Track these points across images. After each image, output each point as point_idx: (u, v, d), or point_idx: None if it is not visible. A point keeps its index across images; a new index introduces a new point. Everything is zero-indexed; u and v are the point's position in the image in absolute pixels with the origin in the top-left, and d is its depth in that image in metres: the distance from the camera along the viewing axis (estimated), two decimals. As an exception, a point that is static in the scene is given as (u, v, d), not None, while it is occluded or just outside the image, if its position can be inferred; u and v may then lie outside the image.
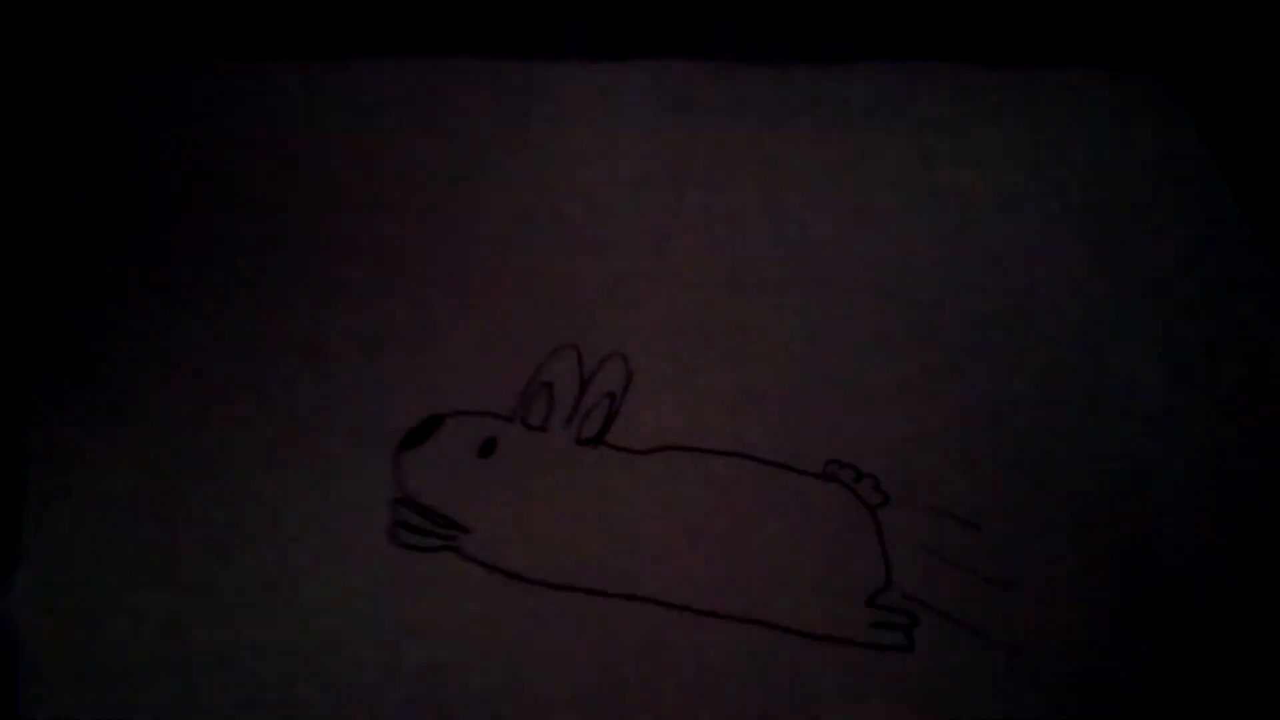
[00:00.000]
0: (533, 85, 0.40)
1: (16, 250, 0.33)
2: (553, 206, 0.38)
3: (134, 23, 0.39)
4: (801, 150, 0.40)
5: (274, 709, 0.27)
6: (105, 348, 0.32)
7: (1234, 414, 0.36)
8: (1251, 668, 0.31)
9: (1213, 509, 0.34)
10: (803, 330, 0.36)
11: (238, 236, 0.35)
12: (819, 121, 0.41)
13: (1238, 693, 0.31)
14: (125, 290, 0.33)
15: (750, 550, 0.32)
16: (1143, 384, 0.36)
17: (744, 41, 0.43)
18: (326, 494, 0.30)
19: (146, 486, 0.30)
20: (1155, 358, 0.37)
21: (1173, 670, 0.31)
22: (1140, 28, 0.47)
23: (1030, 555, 0.32)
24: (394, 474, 0.31)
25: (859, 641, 0.30)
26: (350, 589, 0.29)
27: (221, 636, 0.28)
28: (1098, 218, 0.40)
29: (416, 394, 0.32)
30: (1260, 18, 0.48)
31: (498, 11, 0.42)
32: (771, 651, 0.30)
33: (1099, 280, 0.39)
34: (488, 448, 0.32)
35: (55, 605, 0.28)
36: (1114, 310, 0.38)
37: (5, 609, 0.28)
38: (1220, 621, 0.32)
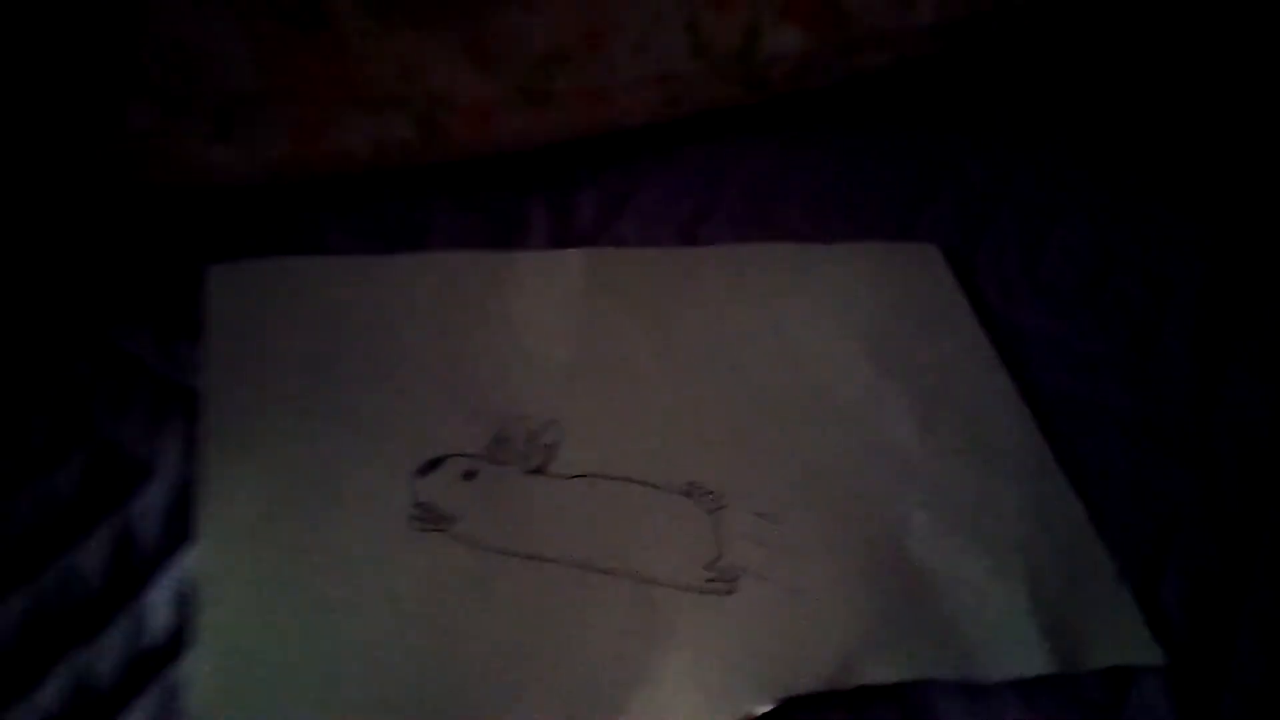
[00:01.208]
0: (505, 271, 0.62)
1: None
2: (519, 348, 0.58)
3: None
4: (680, 310, 0.62)
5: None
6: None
7: (954, 454, 0.57)
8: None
9: (944, 512, 0.54)
10: (671, 405, 0.57)
11: (337, 368, 0.55)
12: (694, 291, 0.63)
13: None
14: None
15: (636, 537, 0.51)
16: (900, 436, 0.57)
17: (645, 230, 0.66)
18: (377, 502, 0.50)
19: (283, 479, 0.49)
20: (911, 422, 0.58)
21: (897, 605, 0.49)
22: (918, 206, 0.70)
23: (813, 536, 0.52)
24: (412, 489, 0.51)
25: (697, 588, 0.49)
26: (386, 557, 0.48)
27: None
28: (877, 341, 0.62)
29: (430, 444, 0.53)
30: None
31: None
32: (643, 594, 0.49)
33: (879, 378, 0.60)
34: (470, 475, 0.52)
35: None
36: (885, 394, 0.59)
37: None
38: (933, 581, 0.51)
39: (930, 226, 0.70)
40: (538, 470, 0.53)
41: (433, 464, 0.52)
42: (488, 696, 0.44)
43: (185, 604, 0.46)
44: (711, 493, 0.53)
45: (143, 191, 0.61)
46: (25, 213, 0.59)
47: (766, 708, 0.45)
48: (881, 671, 0.47)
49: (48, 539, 0.48)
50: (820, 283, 0.64)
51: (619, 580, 0.49)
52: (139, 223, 0.61)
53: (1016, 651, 0.49)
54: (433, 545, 0.49)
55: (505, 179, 0.67)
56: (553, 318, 0.60)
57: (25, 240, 0.58)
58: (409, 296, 0.59)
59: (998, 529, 0.53)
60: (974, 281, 0.67)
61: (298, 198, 0.64)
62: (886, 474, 0.55)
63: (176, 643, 0.45)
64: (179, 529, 0.49)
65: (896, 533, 0.53)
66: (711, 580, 0.49)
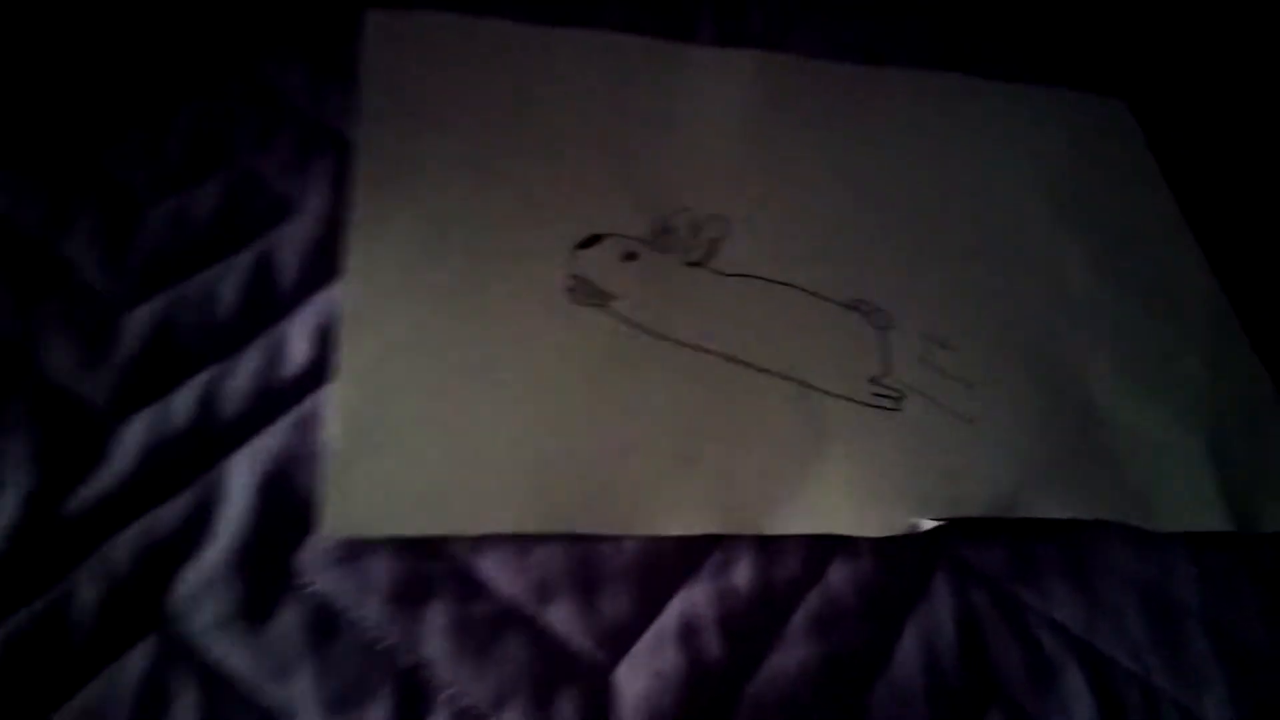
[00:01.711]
0: (675, 61, 0.57)
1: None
2: (685, 140, 0.54)
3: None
4: (860, 128, 0.57)
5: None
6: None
7: (1136, 308, 0.53)
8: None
9: (1125, 359, 0.51)
10: (842, 217, 0.53)
11: (497, 130, 0.51)
12: (875, 111, 0.58)
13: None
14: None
15: (798, 342, 0.48)
16: (1080, 283, 0.54)
17: (825, 45, 0.61)
18: (535, 267, 0.47)
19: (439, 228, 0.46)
20: (1092, 270, 0.54)
21: (1072, 443, 0.47)
22: (1110, 59, 0.65)
23: (987, 367, 0.49)
24: (572, 262, 0.47)
25: (861, 400, 0.46)
26: (538, 324, 0.45)
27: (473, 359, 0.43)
28: (1059, 189, 0.58)
29: (590, 223, 0.49)
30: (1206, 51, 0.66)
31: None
32: (804, 398, 0.46)
33: (1058, 225, 0.56)
34: (630, 256, 0.48)
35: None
36: (1064, 242, 0.55)
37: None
38: (1112, 424, 0.48)
39: (1124, 82, 0.66)
40: (699, 263, 0.49)
41: (593, 239, 0.48)
42: (635, 492, 0.42)
43: (325, 339, 0.43)
44: (880, 309, 0.49)
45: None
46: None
47: (927, 525, 0.43)
48: (1048, 506, 0.45)
49: (182, 255, 0.45)
50: (1006, 123, 0.60)
51: (780, 381, 0.46)
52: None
53: (1192, 504, 0.46)
54: (588, 319, 0.46)
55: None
56: (723, 116, 0.55)
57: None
58: (577, 73, 0.55)
59: (1180, 384, 0.51)
60: (1163, 139, 0.63)
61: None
62: (1064, 316, 0.52)
63: (313, 376, 0.43)
64: (320, 268, 0.46)
65: (1075, 372, 0.50)
66: (878, 394, 0.47)
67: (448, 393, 0.42)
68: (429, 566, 0.39)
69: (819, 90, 0.58)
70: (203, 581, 0.37)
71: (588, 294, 0.47)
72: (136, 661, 0.36)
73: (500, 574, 0.39)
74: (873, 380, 0.47)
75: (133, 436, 0.40)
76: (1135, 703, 0.41)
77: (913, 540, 0.43)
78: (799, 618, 0.41)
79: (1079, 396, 0.49)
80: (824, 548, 0.43)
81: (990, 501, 0.44)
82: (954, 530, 0.44)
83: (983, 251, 0.54)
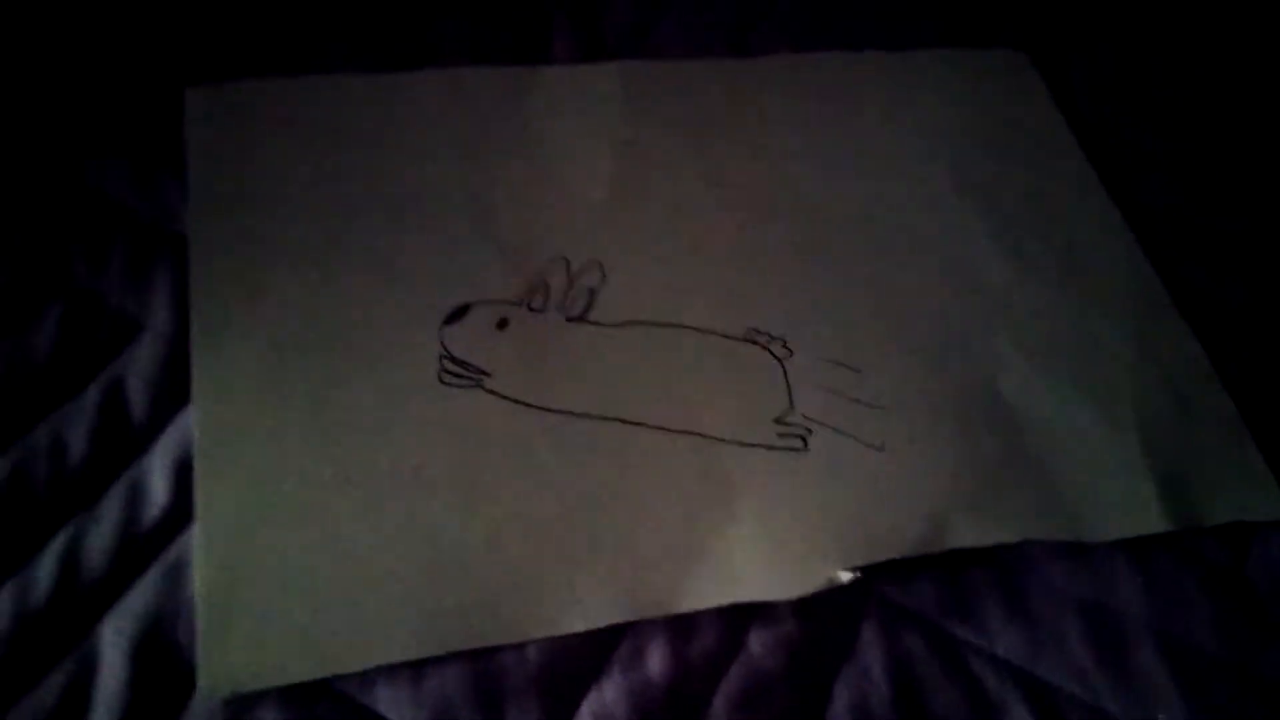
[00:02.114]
0: (529, 89, 0.53)
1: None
2: (550, 178, 0.50)
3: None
4: (732, 131, 0.53)
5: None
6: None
7: (1052, 288, 0.49)
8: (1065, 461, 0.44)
9: (1043, 354, 0.47)
10: (726, 241, 0.49)
11: (344, 201, 0.48)
12: (747, 109, 0.54)
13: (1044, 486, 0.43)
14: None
15: (693, 390, 0.44)
16: (989, 268, 0.50)
17: (689, 37, 0.56)
18: (399, 355, 0.43)
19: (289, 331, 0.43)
20: (1002, 252, 0.50)
21: (993, 459, 0.44)
22: (1003, 6, 0.60)
23: (896, 386, 0.45)
24: (441, 339, 0.44)
25: (766, 445, 0.43)
26: (411, 417, 0.42)
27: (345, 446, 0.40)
28: (960, 163, 0.54)
29: (456, 288, 0.45)
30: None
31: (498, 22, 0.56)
32: (708, 452, 0.43)
33: (961, 202, 0.52)
34: (502, 324, 0.45)
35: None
36: (969, 221, 0.51)
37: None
38: (1033, 432, 0.45)
39: (1017, 32, 0.60)
40: (579, 318, 0.46)
41: (460, 311, 0.45)
42: (533, 592, 0.39)
43: (186, 474, 0.41)
44: (777, 338, 0.46)
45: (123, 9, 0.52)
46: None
47: (847, 577, 0.40)
48: (977, 533, 0.42)
49: (26, 403, 0.42)
50: (892, 96, 0.55)
51: (678, 438, 0.43)
52: (112, 43, 0.52)
53: (1128, 508, 0.43)
54: (463, 402, 0.43)
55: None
56: (587, 143, 0.51)
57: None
58: (422, 119, 0.51)
59: (1105, 372, 0.47)
60: (1068, 93, 0.58)
61: (287, 11, 0.54)
62: (975, 312, 0.48)
63: (178, 517, 0.40)
64: (173, 392, 0.43)
65: (989, 380, 0.46)
66: (783, 435, 0.44)
67: (317, 516, 0.40)
68: (320, 709, 0.37)
69: (686, 95, 0.54)
70: (89, 763, 0.36)
71: (459, 374, 0.44)
72: None
73: (396, 705, 0.37)
74: (777, 420, 0.44)
75: (-4, 618, 0.38)
76: (1087, 733, 0.40)
77: (837, 591, 0.40)
78: (720, 699, 0.38)
79: (996, 403, 0.45)
80: (741, 616, 0.40)
81: (912, 537, 0.41)
82: (879, 571, 0.41)
83: (881, 250, 0.50)
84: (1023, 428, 0.45)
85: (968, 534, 0.42)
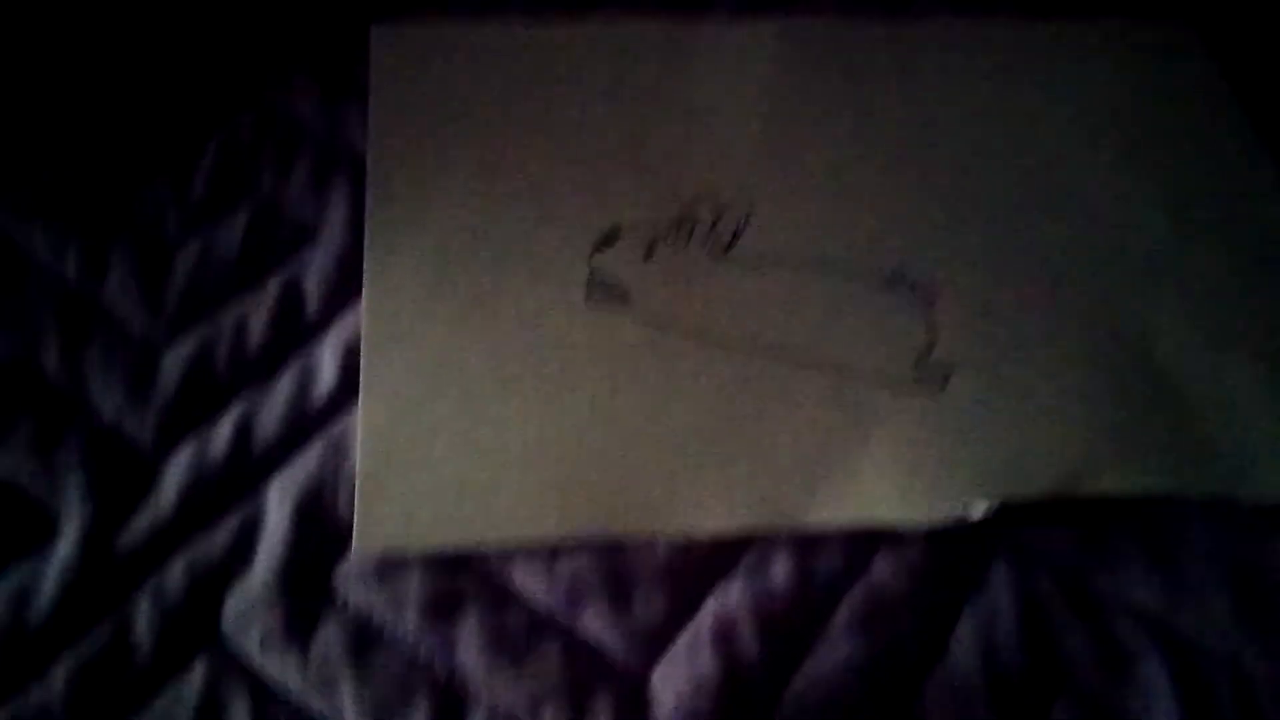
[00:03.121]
0: (688, 40, 0.56)
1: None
2: (704, 124, 0.52)
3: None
4: (887, 91, 0.54)
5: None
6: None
7: (1215, 253, 0.48)
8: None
9: (1201, 317, 0.46)
10: (875, 188, 0.50)
11: (510, 133, 0.51)
12: (903, 71, 0.55)
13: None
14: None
15: (834, 328, 0.45)
16: (1150, 233, 0.49)
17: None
18: (551, 271, 0.46)
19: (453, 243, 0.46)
20: (1164, 218, 0.49)
21: (1145, 410, 0.43)
22: None
23: (1044, 336, 0.45)
24: (590, 261, 0.46)
25: (905, 382, 0.44)
26: (558, 331, 0.45)
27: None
28: (1124, 132, 0.53)
29: (607, 218, 0.48)
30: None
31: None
32: (846, 386, 0.44)
33: (1125, 166, 0.51)
34: (650, 252, 0.47)
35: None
36: (1131, 184, 0.51)
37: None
38: (1189, 386, 0.44)
39: (1191, 5, 0.59)
40: (722, 253, 0.48)
41: (610, 237, 0.47)
42: (665, 490, 0.41)
43: (353, 360, 0.44)
44: (921, 282, 0.46)
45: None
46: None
47: (980, 513, 0.40)
48: (1121, 480, 0.41)
49: (213, 289, 0.46)
50: (1055, 63, 0.55)
51: (815, 372, 0.44)
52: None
53: (1286, 471, 0.42)
54: (609, 322, 0.45)
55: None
56: (742, 94, 0.53)
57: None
58: (588, 67, 0.53)
59: (1267, 334, 0.46)
60: (1237, 70, 0.56)
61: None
62: (1133, 272, 0.48)
63: (343, 398, 0.43)
64: (344, 289, 0.46)
65: (1143, 335, 0.45)
66: (923, 374, 0.44)
67: (470, 405, 0.42)
68: (461, 579, 0.39)
69: (844, 52, 0.55)
70: (249, 603, 0.39)
71: (607, 296, 0.46)
72: (194, 679, 0.38)
73: (532, 583, 0.39)
74: (918, 359, 0.44)
75: (177, 470, 0.41)
76: (1224, 689, 0.38)
77: (968, 529, 0.40)
78: (842, 614, 0.39)
79: (1150, 358, 0.45)
80: (867, 541, 0.40)
81: (1051, 480, 0.41)
82: (1015, 514, 0.41)
83: (1038, 209, 0.49)
84: (1177, 382, 0.44)
85: (1111, 481, 0.41)
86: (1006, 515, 0.41)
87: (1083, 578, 0.40)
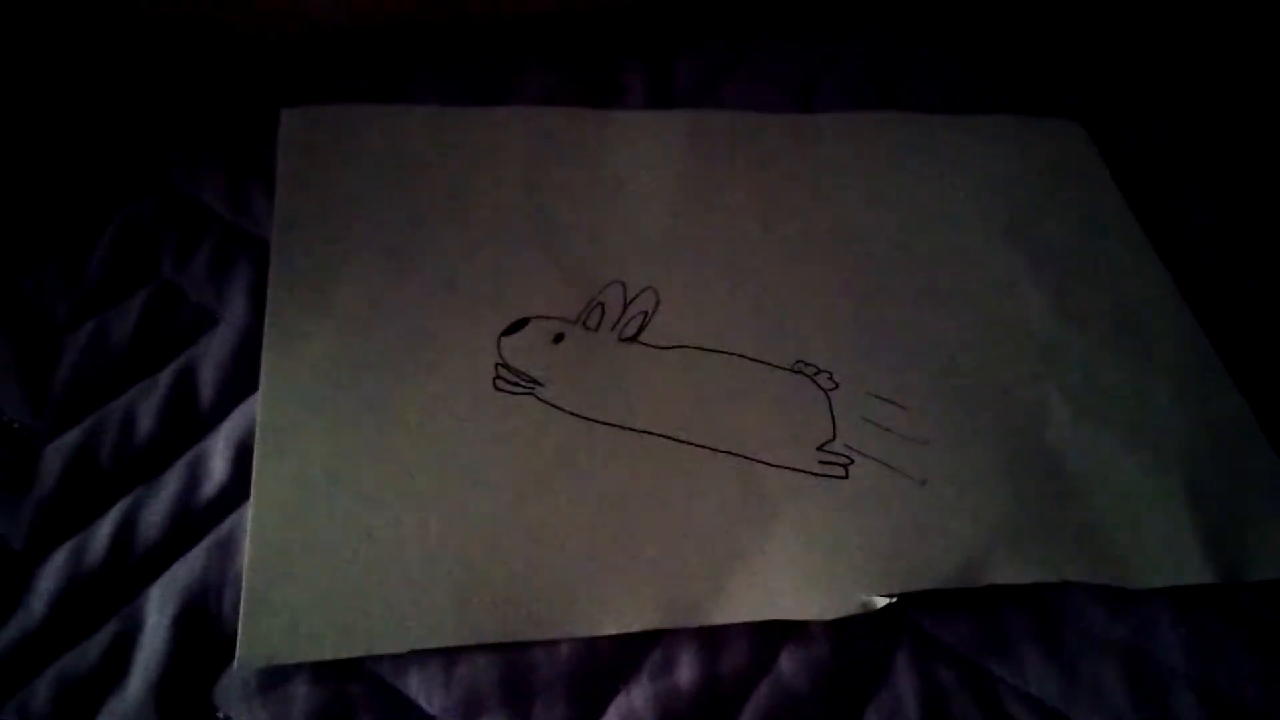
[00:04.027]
0: (601, 129, 0.57)
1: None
2: (615, 211, 0.53)
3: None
4: (792, 179, 0.56)
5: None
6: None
7: (1101, 342, 0.50)
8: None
9: (1091, 402, 0.48)
10: (779, 278, 0.51)
11: (418, 219, 0.50)
12: (808, 160, 0.57)
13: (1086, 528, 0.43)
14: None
15: (738, 414, 0.45)
16: (1039, 321, 0.51)
17: (755, 94, 0.59)
18: (458, 360, 0.45)
19: (356, 332, 0.45)
20: (1052, 306, 0.51)
21: (1037, 499, 0.43)
22: (1061, 80, 0.63)
23: (940, 424, 0.46)
24: (498, 350, 0.46)
25: (808, 471, 0.44)
26: (464, 419, 0.44)
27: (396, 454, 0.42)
28: (1013, 222, 0.55)
29: (517, 305, 0.48)
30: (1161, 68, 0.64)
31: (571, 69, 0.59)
32: (749, 472, 0.43)
33: (1013, 256, 0.53)
34: (559, 338, 0.47)
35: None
36: (1020, 274, 0.53)
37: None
38: (1078, 476, 0.45)
39: (1072, 104, 0.63)
40: (631, 339, 0.48)
41: (519, 324, 0.47)
42: (570, 591, 0.40)
43: (245, 456, 0.42)
44: (824, 371, 0.47)
45: (221, 33, 0.57)
46: (95, 45, 0.55)
47: (882, 603, 0.40)
48: (1015, 571, 0.42)
49: (105, 377, 0.45)
50: (949, 155, 0.57)
51: (721, 458, 0.44)
52: (216, 66, 0.56)
53: (1171, 558, 0.43)
54: (515, 408, 0.44)
55: (598, 41, 0.62)
56: (652, 181, 0.54)
57: (97, 72, 0.55)
58: (497, 151, 0.54)
59: (1152, 423, 0.47)
60: (1121, 161, 0.60)
61: (383, 48, 0.59)
62: (1023, 361, 0.49)
63: (233, 496, 0.42)
64: (241, 380, 0.45)
65: (1035, 424, 0.47)
66: (825, 462, 0.44)
67: (368, 505, 0.41)
68: (350, 688, 0.37)
69: (750, 144, 0.56)
70: (122, 719, 0.36)
71: (514, 381, 0.45)
72: (61, 808, 0.35)
73: (427, 691, 0.38)
74: (820, 448, 0.45)
75: (51, 575, 0.39)
76: (1122, 783, 0.38)
77: (870, 618, 0.40)
78: (748, 715, 0.38)
79: (1042, 447, 0.46)
80: (773, 635, 0.40)
81: (950, 570, 0.41)
82: (916, 603, 0.41)
83: (933, 297, 0.51)
84: (1067, 472, 0.45)
85: (1007, 571, 0.41)
86: (909, 604, 0.41)
87: (983, 667, 0.40)
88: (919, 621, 0.41)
